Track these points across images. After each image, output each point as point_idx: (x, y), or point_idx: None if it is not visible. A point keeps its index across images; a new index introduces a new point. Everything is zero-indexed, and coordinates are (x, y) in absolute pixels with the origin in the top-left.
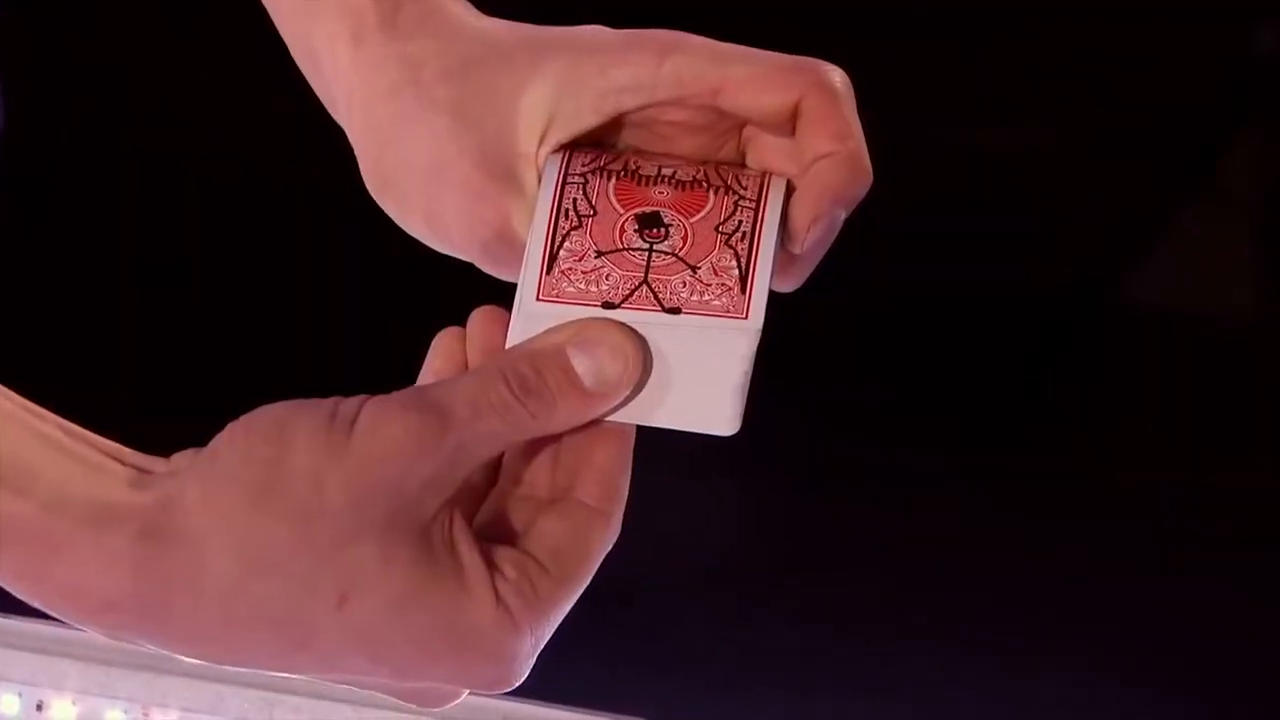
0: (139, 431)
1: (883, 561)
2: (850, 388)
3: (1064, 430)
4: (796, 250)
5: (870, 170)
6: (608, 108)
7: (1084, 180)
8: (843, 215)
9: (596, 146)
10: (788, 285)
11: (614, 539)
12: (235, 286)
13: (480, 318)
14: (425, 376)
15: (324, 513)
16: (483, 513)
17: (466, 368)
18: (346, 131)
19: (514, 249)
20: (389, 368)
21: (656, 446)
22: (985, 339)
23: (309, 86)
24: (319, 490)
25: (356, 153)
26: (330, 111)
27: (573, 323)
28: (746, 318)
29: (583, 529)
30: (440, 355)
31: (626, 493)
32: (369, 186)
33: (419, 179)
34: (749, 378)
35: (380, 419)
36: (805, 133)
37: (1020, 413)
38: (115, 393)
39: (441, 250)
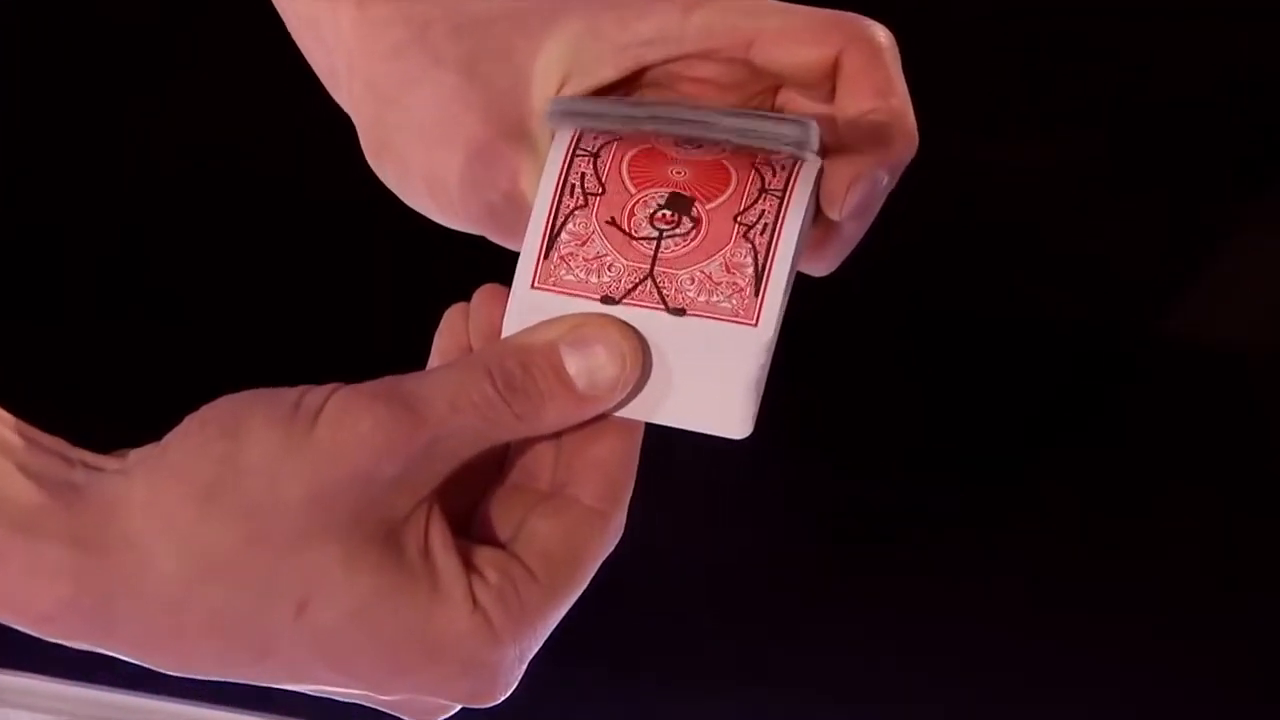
0: (143, 427)
1: (891, 591)
2: (869, 408)
3: (1091, 464)
4: (834, 216)
5: (915, 133)
6: (628, 61)
7: (1119, 202)
8: (885, 180)
9: None
10: (822, 268)
11: (614, 542)
12: (237, 273)
13: (484, 297)
14: (434, 355)
15: (279, 511)
16: (481, 505)
17: (471, 348)
18: (344, 104)
19: (523, 214)
20: (393, 357)
21: (659, 456)
22: (1007, 360)
23: (309, 83)
24: (274, 487)
25: (354, 119)
26: (329, 87)
27: (569, 318)
28: (756, 325)
29: (577, 531)
30: (446, 333)
31: (630, 492)
32: (367, 153)
33: (422, 140)
34: (764, 379)
35: (347, 411)
36: (844, 90)
37: (1043, 443)
38: (118, 388)
39: (444, 221)
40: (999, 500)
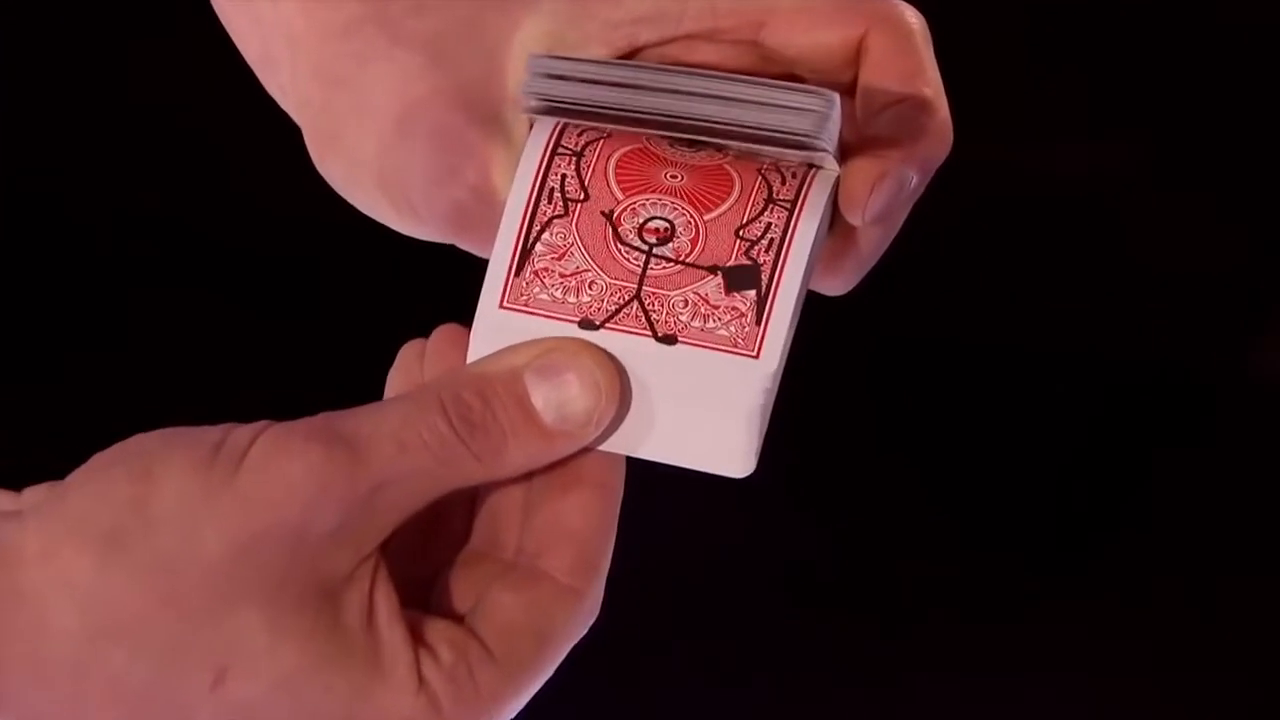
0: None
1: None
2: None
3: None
4: (855, 220)
5: (950, 127)
6: (620, 41)
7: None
8: (913, 180)
9: None
10: (837, 285)
11: (588, 622)
12: (234, 275)
13: (441, 338)
14: (388, 394)
15: (195, 567)
16: (438, 573)
17: None
18: (281, 94)
19: (494, 213)
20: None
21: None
22: (1024, 386)
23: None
24: (190, 539)
25: (296, 111)
26: (261, 76)
27: (537, 342)
28: (758, 356)
29: (545, 609)
30: (402, 371)
31: (606, 565)
32: (311, 148)
33: (377, 129)
34: (768, 410)
35: (276, 453)
36: (869, 77)
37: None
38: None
39: (401, 227)
40: (1008, 536)
